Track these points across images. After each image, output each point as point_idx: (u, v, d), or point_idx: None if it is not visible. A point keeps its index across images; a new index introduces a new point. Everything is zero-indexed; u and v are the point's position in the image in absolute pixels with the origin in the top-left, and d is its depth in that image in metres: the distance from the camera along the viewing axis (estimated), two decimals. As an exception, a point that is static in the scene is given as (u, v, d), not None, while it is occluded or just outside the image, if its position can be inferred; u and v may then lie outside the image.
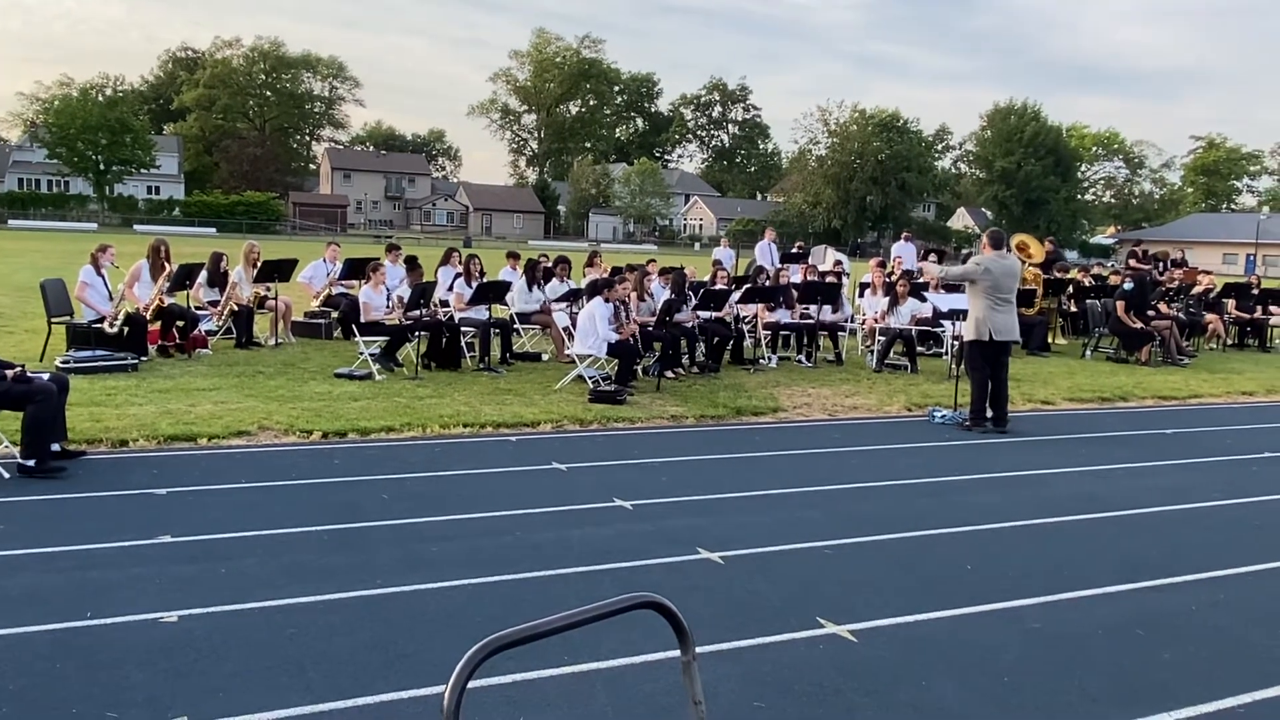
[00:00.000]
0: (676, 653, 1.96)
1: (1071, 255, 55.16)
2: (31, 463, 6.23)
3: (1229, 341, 17.93)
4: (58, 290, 10.95)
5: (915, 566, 5.35)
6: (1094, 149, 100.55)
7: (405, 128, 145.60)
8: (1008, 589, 5.03)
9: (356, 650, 4.01)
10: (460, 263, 13.07)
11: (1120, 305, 14.66)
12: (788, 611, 4.60)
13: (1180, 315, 16.19)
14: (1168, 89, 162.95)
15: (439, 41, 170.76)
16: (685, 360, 11.89)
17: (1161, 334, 14.70)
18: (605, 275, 12.68)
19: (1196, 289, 18.22)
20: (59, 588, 4.53)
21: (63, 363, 9.54)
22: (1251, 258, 72.47)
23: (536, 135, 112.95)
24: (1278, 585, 5.32)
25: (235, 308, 12.08)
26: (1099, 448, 8.91)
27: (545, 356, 12.52)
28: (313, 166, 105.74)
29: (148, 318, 10.77)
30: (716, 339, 12.27)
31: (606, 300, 10.48)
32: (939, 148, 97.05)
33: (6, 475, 6.20)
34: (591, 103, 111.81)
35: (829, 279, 14.85)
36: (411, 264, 12.32)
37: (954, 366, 11.88)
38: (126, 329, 10.38)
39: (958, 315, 10.83)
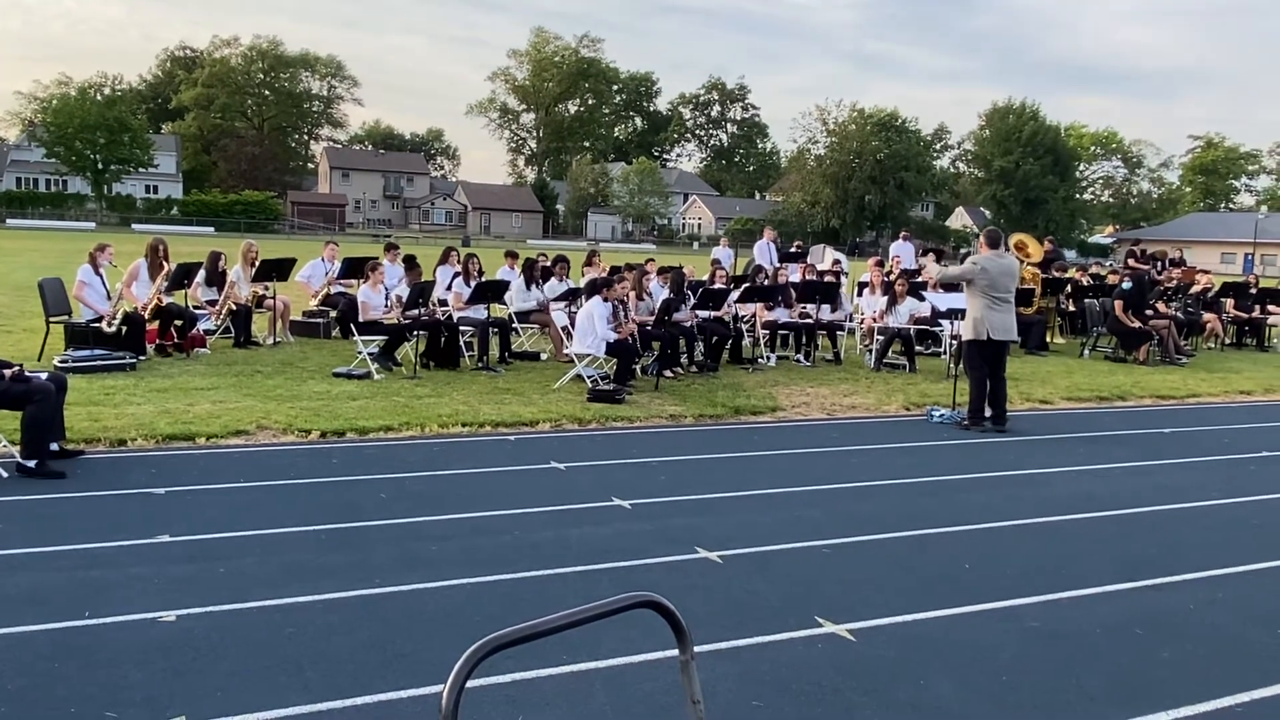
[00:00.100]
0: (675, 652, 1.96)
1: (1070, 254, 55.12)
2: (31, 463, 6.23)
3: (1227, 341, 17.95)
4: (56, 289, 10.94)
5: (914, 566, 5.35)
6: (1092, 148, 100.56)
7: (404, 127, 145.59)
8: (1006, 588, 5.03)
9: (355, 649, 4.01)
10: (459, 262, 13.07)
11: (1118, 304, 14.67)
12: (786, 611, 4.60)
13: (1178, 314, 16.20)
14: (1166, 88, 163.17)
15: (437, 41, 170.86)
16: (684, 359, 11.90)
17: (1160, 333, 14.71)
18: (604, 274, 12.68)
19: (1195, 288, 18.24)
20: (58, 587, 4.53)
21: (61, 362, 9.54)
22: (1249, 257, 72.54)
23: (535, 134, 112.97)
24: (1276, 584, 5.33)
25: (233, 307, 12.07)
26: (1097, 447, 8.91)
27: (544, 356, 12.52)
28: (311, 166, 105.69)
29: (146, 317, 10.77)
30: (715, 338, 12.27)
31: (605, 299, 10.48)
32: (937, 147, 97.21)
33: (5, 475, 6.20)
34: (590, 102, 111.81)
35: (827, 278, 14.85)
36: (410, 263, 12.32)
37: (952, 366, 11.89)
38: (125, 328, 10.37)
39: (956, 314, 10.85)
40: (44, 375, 6.60)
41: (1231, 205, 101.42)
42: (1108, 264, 40.35)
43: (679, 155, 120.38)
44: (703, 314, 12.28)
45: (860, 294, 15.19)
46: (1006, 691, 3.89)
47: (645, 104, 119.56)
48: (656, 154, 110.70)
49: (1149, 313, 15.03)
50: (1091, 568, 5.41)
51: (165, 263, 11.33)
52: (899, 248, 19.59)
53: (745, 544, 5.56)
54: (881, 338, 13.12)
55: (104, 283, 10.82)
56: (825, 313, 13.54)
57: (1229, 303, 18.22)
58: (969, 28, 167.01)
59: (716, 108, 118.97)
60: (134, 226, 60.54)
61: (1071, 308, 17.32)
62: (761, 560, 5.32)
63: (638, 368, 10.93)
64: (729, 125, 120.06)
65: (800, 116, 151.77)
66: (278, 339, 12.48)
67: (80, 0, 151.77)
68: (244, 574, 4.78)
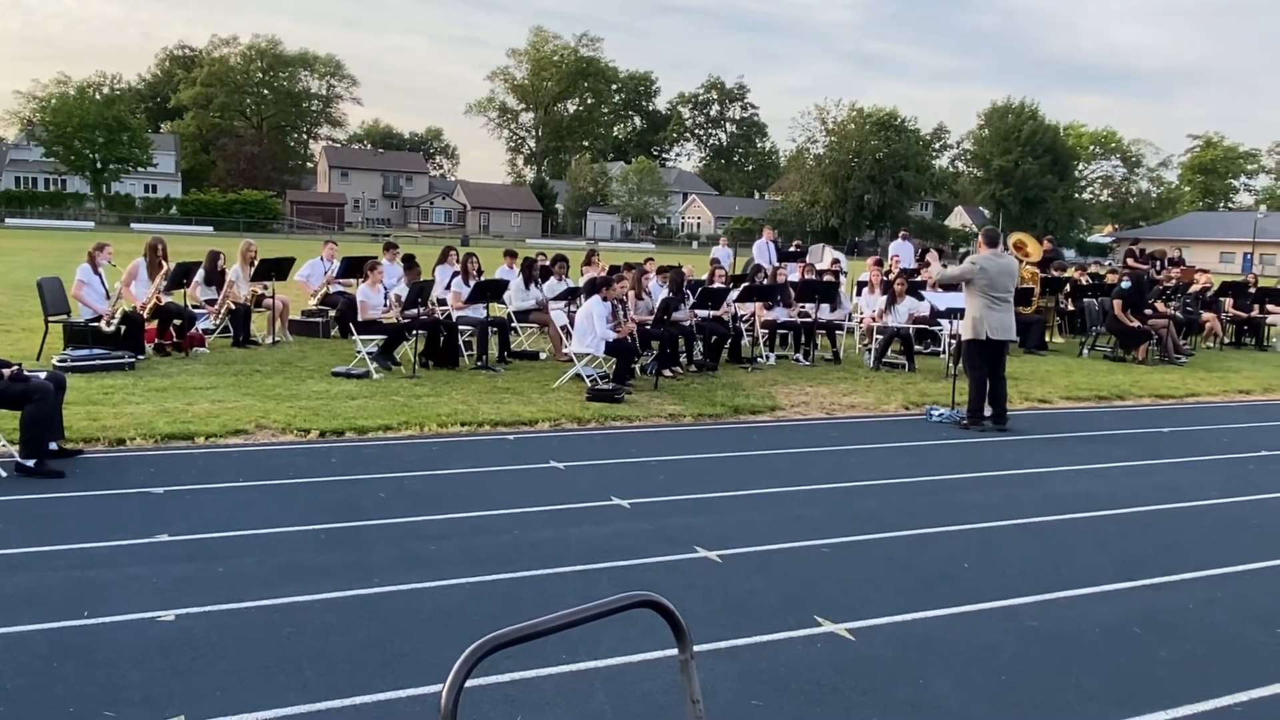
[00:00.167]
0: (674, 651, 1.96)
1: (1069, 254, 55.18)
2: (30, 462, 6.23)
3: (1226, 340, 17.96)
4: (55, 289, 10.93)
5: (913, 565, 5.35)
6: (1091, 148, 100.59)
7: (403, 126, 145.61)
8: (1005, 587, 5.03)
9: (354, 649, 4.01)
10: (458, 261, 13.06)
11: (1117, 304, 14.68)
12: (785, 610, 4.60)
13: (1177, 314, 16.21)
14: (1165, 88, 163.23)
15: (437, 40, 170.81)
16: (683, 359, 11.90)
17: (1159, 332, 14.72)
18: (603, 274, 12.68)
19: (1194, 288, 18.24)
20: (56, 587, 4.53)
21: (60, 361, 9.53)
22: (1248, 256, 72.59)
23: (534, 134, 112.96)
24: (1275, 583, 5.33)
25: (232, 306, 12.06)
26: (1096, 446, 8.92)
27: (543, 355, 12.52)
28: (310, 165, 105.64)
29: (145, 316, 10.76)
30: (714, 338, 12.27)
31: (604, 299, 10.48)
32: (936, 146, 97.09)
33: (4, 474, 6.19)
34: (589, 101, 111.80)
35: (827, 278, 14.85)
36: (409, 262, 12.31)
37: (951, 365, 11.90)
38: (124, 328, 10.36)
39: (955, 314, 10.85)
40: (43, 374, 6.60)
41: (1230, 205, 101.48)
42: (1107, 263, 40.37)
43: (678, 155, 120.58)
44: (702, 313, 12.28)
45: (859, 293, 15.20)
46: (1005, 690, 3.89)
47: (644, 103, 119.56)
48: (655, 153, 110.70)
49: (1148, 312, 15.04)
50: (1090, 567, 5.41)
51: (164, 262, 11.33)
52: (898, 247, 19.59)
53: (744, 543, 5.56)
54: (880, 337, 13.12)
55: (103, 282, 10.81)
56: (824, 312, 13.55)
57: (1228, 302, 18.23)
58: (968, 27, 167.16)
59: (716, 107, 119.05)
60: (133, 226, 60.51)
61: (1070, 307, 17.32)
62: (761, 559, 5.33)
63: (637, 367, 10.93)
64: (728, 125, 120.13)
65: (799, 116, 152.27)
66: (277, 338, 12.48)
67: (80, 0, 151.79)
68: (243, 573, 4.78)
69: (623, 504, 6.24)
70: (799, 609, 4.61)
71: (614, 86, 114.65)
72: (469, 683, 1.60)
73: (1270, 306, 18.23)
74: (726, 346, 12.68)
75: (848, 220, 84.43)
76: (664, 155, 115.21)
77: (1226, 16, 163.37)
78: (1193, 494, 7.20)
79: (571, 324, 11.18)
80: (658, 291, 12.36)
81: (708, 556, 5.32)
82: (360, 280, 12.04)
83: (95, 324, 10.31)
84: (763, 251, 18.00)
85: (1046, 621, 4.62)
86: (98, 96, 73.38)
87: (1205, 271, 19.91)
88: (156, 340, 11.01)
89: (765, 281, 14.13)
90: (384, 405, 8.83)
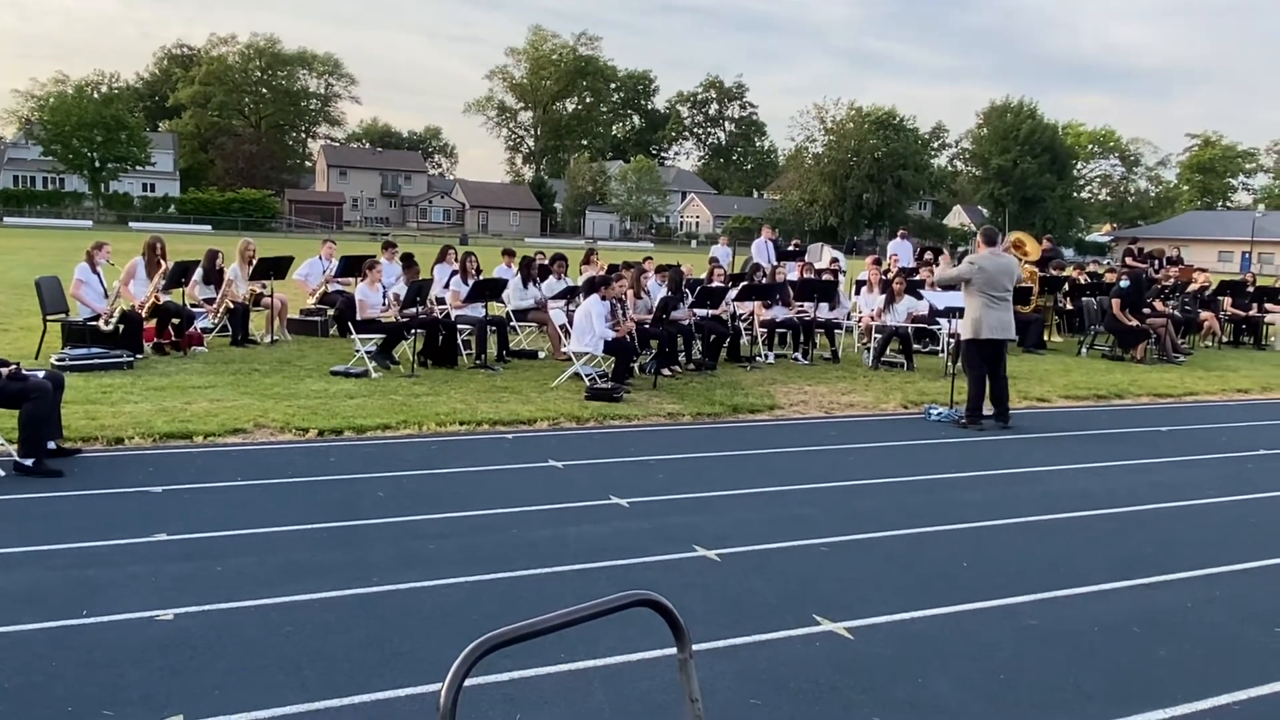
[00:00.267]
0: (673, 650, 1.96)
1: (1068, 253, 55.19)
2: (28, 461, 6.22)
3: (1224, 339, 17.98)
4: (53, 288, 10.92)
5: (911, 564, 5.36)
6: (1090, 147, 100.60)
7: (401, 125, 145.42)
8: (1004, 586, 5.04)
9: (352, 648, 4.01)
10: (456, 260, 13.06)
11: (1116, 303, 14.69)
12: (784, 609, 4.60)
13: (1176, 313, 16.22)
14: (1164, 87, 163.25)
15: (435, 39, 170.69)
16: (682, 358, 11.90)
17: (1157, 331, 14.73)
18: (602, 273, 12.67)
19: (1192, 287, 18.26)
20: (55, 586, 4.52)
21: (58, 360, 9.52)
22: (1247, 255, 72.64)
23: (533, 132, 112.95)
24: (1273, 582, 5.34)
25: (231, 305, 12.05)
26: (1095, 445, 8.92)
27: (542, 354, 12.51)
28: (309, 164, 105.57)
29: (143, 315, 10.75)
30: (713, 336, 12.28)
31: (603, 298, 10.48)
32: (935, 145, 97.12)
33: (2, 473, 6.19)
34: (588, 100, 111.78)
35: (825, 276, 14.85)
36: (408, 261, 12.31)
37: (950, 364, 11.90)
38: (122, 327, 10.35)
39: (953, 313, 10.85)
40: (41, 373, 6.59)
41: (1229, 204, 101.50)
42: (1105, 262, 40.41)
43: (677, 153, 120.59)
44: (701, 312, 12.28)
45: (858, 292, 15.20)
46: (1004, 689, 3.90)
47: (643, 102, 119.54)
48: (654, 152, 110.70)
49: (1146, 311, 15.05)
50: (1089, 566, 5.42)
51: (162, 261, 11.32)
52: (896, 246, 19.59)
53: (743, 542, 5.56)
54: (879, 336, 13.13)
55: (101, 281, 10.80)
56: (823, 311, 13.55)
57: (1226, 301, 18.24)
58: (967, 26, 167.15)
59: (714, 106, 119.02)
60: (131, 225, 60.47)
61: (1069, 306, 17.33)
62: (759, 558, 5.33)
63: (636, 366, 10.93)
64: (727, 123, 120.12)
65: (798, 115, 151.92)
66: (275, 337, 12.47)
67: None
68: (241, 573, 4.78)
69: (621, 503, 6.24)
70: (798, 608, 4.61)
71: (613, 85, 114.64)
72: (468, 682, 1.60)
73: (1268, 305, 18.24)
74: (725, 345, 12.68)
75: (846, 219, 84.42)
76: (663, 154, 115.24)
77: (1225, 16, 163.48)
78: (1191, 493, 7.21)
79: (570, 323, 11.18)
80: (656, 290, 12.36)
81: (706, 555, 5.32)
82: (359, 279, 12.03)
83: (93, 323, 10.30)
84: (761, 250, 18.00)
85: (1045, 620, 4.62)
86: (96, 95, 73.26)
87: (1203, 270, 19.92)
88: (155, 339, 11.00)
89: (764, 280, 14.13)
90: (382, 404, 8.82)
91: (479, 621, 4.32)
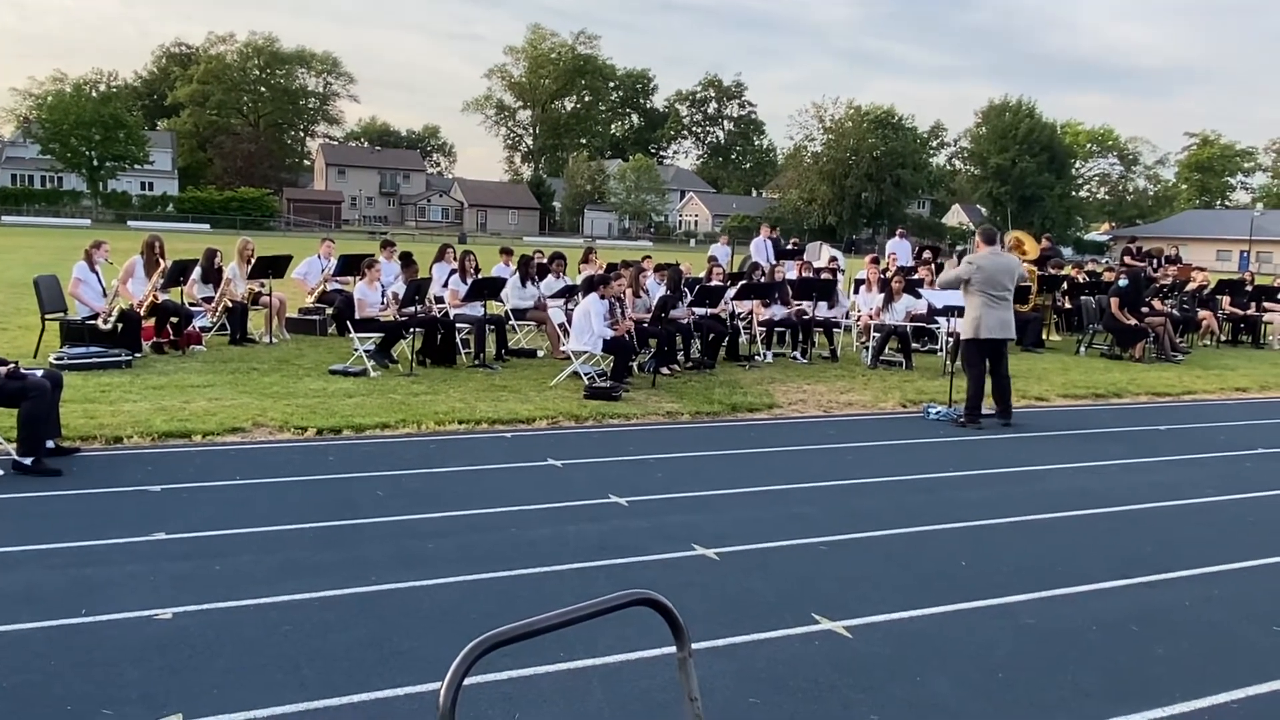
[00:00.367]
0: (672, 649, 1.96)
1: (1067, 252, 55.16)
2: (27, 460, 6.22)
3: (1223, 338, 17.99)
4: (51, 286, 10.91)
5: (910, 562, 5.36)
6: (1088, 145, 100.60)
7: (400, 124, 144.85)
8: (1002, 585, 5.04)
9: (351, 647, 4.01)
10: (455, 259, 13.05)
11: (1114, 302, 14.70)
12: (783, 608, 4.60)
13: (1174, 312, 16.22)
14: (1162, 86, 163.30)
15: (434, 37, 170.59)
16: (680, 357, 11.90)
17: (1155, 330, 14.74)
18: (600, 271, 12.67)
19: (1190, 285, 18.26)
20: (54, 585, 4.52)
21: (57, 359, 9.52)
22: (1245, 254, 72.67)
23: (531, 131, 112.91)
24: (1271, 581, 5.34)
25: (229, 304, 12.05)
26: (1093, 444, 8.93)
27: (540, 353, 12.51)
28: (307, 162, 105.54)
29: (142, 314, 10.74)
30: (712, 335, 12.28)
31: (602, 296, 10.48)
32: (934, 144, 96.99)
33: (1, 472, 6.18)
34: (587, 99, 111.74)
35: (824, 275, 14.86)
36: (406, 260, 12.31)
37: (949, 363, 11.90)
38: (120, 325, 10.34)
39: (952, 312, 10.86)
40: (39, 372, 6.58)
41: (1227, 202, 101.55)
42: (1104, 261, 40.39)
43: (676, 152, 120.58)
44: (699, 311, 12.28)
45: (857, 291, 15.19)
46: (1002, 688, 3.90)
47: (642, 101, 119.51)
48: (653, 151, 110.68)
49: (1145, 310, 15.06)
50: (1087, 565, 5.42)
51: (161, 260, 11.30)
52: (895, 245, 19.60)
53: (742, 541, 5.56)
54: (878, 335, 13.13)
55: (99, 280, 10.79)
56: (822, 310, 13.55)
57: (1225, 300, 18.26)
58: (966, 25, 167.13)
59: (713, 105, 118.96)
60: (129, 223, 60.41)
61: (1068, 305, 17.34)
62: (758, 557, 5.33)
63: (634, 365, 10.93)
64: (726, 122, 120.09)
65: (797, 114, 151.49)
66: (274, 336, 12.46)
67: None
68: (240, 571, 4.78)
69: (620, 502, 6.24)
70: (797, 607, 4.62)
71: (611, 84, 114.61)
72: (467, 681, 1.60)
73: (1266, 304, 18.27)
74: (724, 344, 12.68)
75: (845, 218, 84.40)
76: (661, 153, 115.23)
77: (1224, 15, 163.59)
78: (1189, 491, 7.21)
79: (569, 322, 11.17)
80: (655, 289, 12.36)
81: (705, 554, 5.32)
82: (357, 278, 12.03)
83: (92, 322, 10.29)
84: (760, 249, 18.01)
85: (1043, 619, 4.63)
86: (94, 94, 73.21)
87: (1202, 269, 19.93)
88: (153, 338, 10.99)
89: (763, 279, 14.13)
90: (381, 403, 8.82)
91: (478, 620, 4.32)
